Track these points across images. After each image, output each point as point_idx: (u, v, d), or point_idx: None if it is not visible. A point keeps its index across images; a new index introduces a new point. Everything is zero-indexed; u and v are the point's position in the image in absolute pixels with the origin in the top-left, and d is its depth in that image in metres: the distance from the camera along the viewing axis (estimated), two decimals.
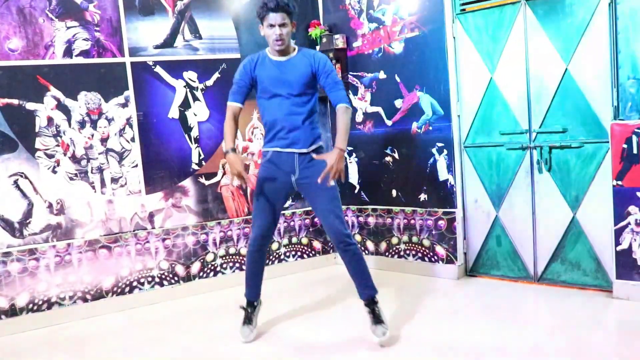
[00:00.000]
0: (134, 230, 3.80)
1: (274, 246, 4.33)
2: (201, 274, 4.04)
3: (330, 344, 2.96)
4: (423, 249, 4.13)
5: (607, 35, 3.23)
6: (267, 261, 4.21)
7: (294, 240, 4.43)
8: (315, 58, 2.80)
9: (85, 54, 3.61)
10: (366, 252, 4.47)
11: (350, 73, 4.40)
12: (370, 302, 2.88)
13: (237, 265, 4.19)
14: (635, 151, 3.15)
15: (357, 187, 4.48)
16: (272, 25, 2.69)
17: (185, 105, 3.97)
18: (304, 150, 2.81)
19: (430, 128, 3.98)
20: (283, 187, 2.86)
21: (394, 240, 4.30)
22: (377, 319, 2.86)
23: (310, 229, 4.49)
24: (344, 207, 3.70)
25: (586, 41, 3.31)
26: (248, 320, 3.03)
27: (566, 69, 3.40)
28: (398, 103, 4.13)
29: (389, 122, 4.23)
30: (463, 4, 3.77)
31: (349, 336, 3.02)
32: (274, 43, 2.73)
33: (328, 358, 2.78)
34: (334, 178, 2.67)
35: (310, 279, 4.16)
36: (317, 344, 2.97)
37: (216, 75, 4.07)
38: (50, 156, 3.53)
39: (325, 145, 3.08)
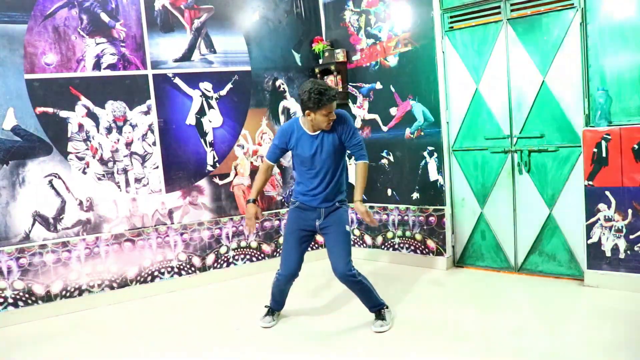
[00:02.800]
0: (155, 225, 3.83)
1: (281, 240, 4.29)
2: (215, 264, 4.08)
3: (332, 328, 3.00)
4: (415, 242, 4.16)
5: (579, 51, 3.29)
6: (275, 253, 4.30)
7: None
8: (340, 122, 2.78)
9: (112, 67, 3.66)
10: (364, 245, 4.48)
11: (350, 84, 4.44)
12: (378, 313, 2.96)
13: (248, 257, 4.22)
14: (604, 154, 3.21)
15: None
16: (329, 113, 2.67)
17: (201, 112, 4.00)
18: (330, 205, 2.88)
19: (422, 133, 4.01)
20: (309, 231, 2.92)
21: (389, 235, 4.33)
22: (381, 317, 2.93)
23: None
24: None
25: (561, 56, 3.38)
26: (271, 312, 3.15)
27: (543, 80, 3.46)
28: (393, 111, 4.19)
29: (384, 128, 4.26)
30: (451, 22, 3.83)
31: (348, 320, 3.07)
32: (325, 126, 2.73)
33: (330, 337, 2.87)
34: (371, 217, 2.82)
35: (314, 271, 4.03)
36: (321, 328, 3.02)
37: (229, 85, 4.11)
38: (80, 159, 3.59)
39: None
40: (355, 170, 2.89)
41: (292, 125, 2.87)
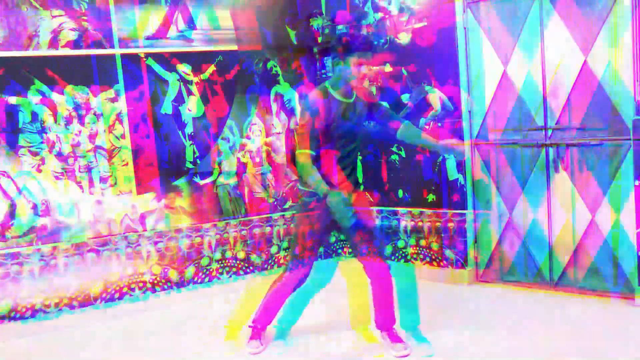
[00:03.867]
0: (124, 233, 3.75)
1: (273, 249, 4.28)
2: (196, 279, 3.99)
3: (337, 351, 2.97)
4: (431, 253, 4.08)
5: (629, 24, 3.17)
6: (266, 265, 4.28)
7: None
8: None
9: (72, 45, 3.56)
10: None
11: None
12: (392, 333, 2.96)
13: (234, 270, 4.13)
14: None
15: (362, 186, 4.38)
16: (368, 65, 2.71)
17: (179, 100, 3.93)
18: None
19: (439, 124, 3.91)
20: (331, 225, 2.88)
21: (400, 244, 4.24)
22: (396, 338, 2.91)
23: None
24: None
25: (607, 31, 3.26)
26: (257, 335, 3.04)
27: (584, 60, 3.36)
28: (405, 98, 4.08)
29: None
30: None
31: (358, 344, 3.02)
32: (360, 81, 2.76)
33: None
34: None
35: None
36: (322, 352, 2.97)
37: (212, 68, 4.04)
38: (34, 154, 3.48)
39: None
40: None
41: (322, 90, 2.80)
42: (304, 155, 2.74)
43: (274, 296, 2.99)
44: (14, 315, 3.39)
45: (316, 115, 2.72)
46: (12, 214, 3.40)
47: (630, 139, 3.21)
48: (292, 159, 2.86)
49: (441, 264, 4.02)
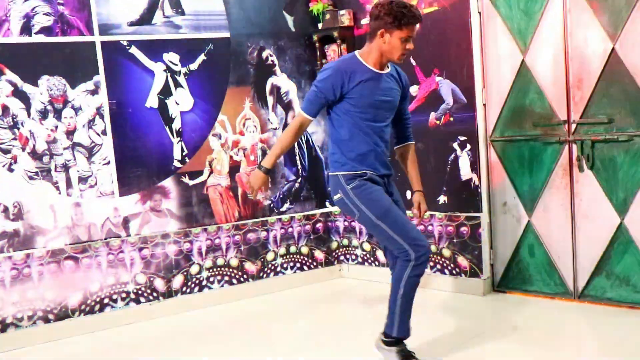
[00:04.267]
0: (105, 238, 3.71)
1: (269, 256, 4.21)
2: (184, 289, 3.95)
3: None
4: (443, 260, 4.02)
5: None
6: (261, 273, 4.24)
7: (293, 249, 4.31)
8: (402, 77, 2.83)
9: (46, 31, 3.51)
10: (376, 263, 4.38)
11: None
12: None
13: (226, 278, 4.09)
14: None
15: None
16: (409, 38, 2.63)
17: (165, 92, 3.89)
18: (390, 173, 2.87)
19: (451, 119, 3.86)
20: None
21: None
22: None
23: (312, 237, 4.37)
24: None
25: (637, 15, 3.13)
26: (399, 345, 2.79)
27: (613, 48, 3.25)
28: (414, 90, 4.00)
29: None
30: None
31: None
32: (399, 56, 2.66)
33: None
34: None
35: (311, 295, 4.10)
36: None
37: (202, 57, 4.00)
38: (5, 152, 3.43)
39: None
40: (406, 154, 2.95)
41: (350, 62, 2.70)
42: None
43: None
44: None
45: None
46: None
47: None
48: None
49: (454, 272, 3.95)
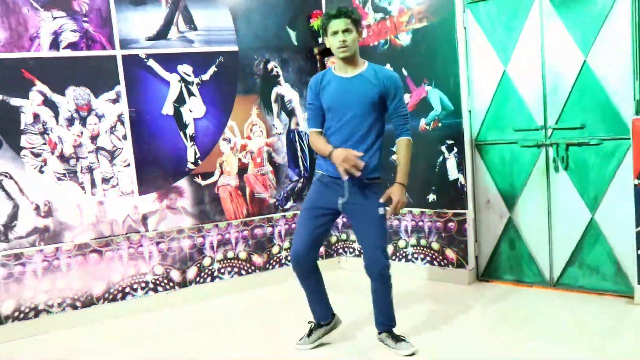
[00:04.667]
0: (126, 234, 3.74)
1: (275, 250, 4.28)
2: (198, 279, 3.99)
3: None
4: (432, 252, 4.07)
5: (629, 24, 3.16)
6: (267, 265, 4.24)
7: None
8: (387, 78, 2.69)
9: (73, 46, 3.54)
10: None
11: None
12: (390, 333, 2.87)
13: (236, 270, 4.12)
14: None
15: None
16: (335, 33, 2.63)
17: (180, 101, 3.92)
18: (356, 179, 2.67)
19: (440, 124, 3.92)
20: (329, 209, 2.77)
21: (401, 244, 4.23)
22: (399, 338, 2.82)
23: None
24: None
25: (606, 31, 3.25)
26: (315, 327, 2.99)
27: (585, 60, 3.35)
28: (405, 98, 4.03)
29: None
30: None
31: (357, 350, 2.94)
32: (337, 50, 2.65)
33: None
34: (398, 211, 2.72)
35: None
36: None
37: (213, 69, 4.02)
38: (36, 155, 3.47)
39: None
40: (397, 148, 2.77)
41: (322, 72, 2.81)
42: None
43: None
44: (17, 315, 3.39)
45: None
46: (15, 215, 3.39)
47: (629, 138, 3.18)
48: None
49: (442, 263, 4.01)
